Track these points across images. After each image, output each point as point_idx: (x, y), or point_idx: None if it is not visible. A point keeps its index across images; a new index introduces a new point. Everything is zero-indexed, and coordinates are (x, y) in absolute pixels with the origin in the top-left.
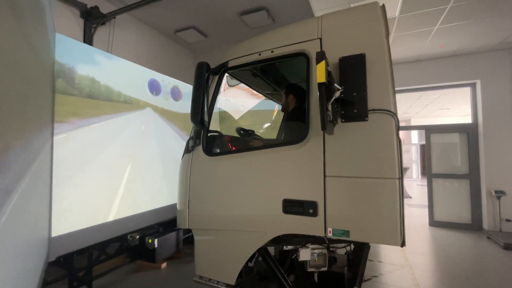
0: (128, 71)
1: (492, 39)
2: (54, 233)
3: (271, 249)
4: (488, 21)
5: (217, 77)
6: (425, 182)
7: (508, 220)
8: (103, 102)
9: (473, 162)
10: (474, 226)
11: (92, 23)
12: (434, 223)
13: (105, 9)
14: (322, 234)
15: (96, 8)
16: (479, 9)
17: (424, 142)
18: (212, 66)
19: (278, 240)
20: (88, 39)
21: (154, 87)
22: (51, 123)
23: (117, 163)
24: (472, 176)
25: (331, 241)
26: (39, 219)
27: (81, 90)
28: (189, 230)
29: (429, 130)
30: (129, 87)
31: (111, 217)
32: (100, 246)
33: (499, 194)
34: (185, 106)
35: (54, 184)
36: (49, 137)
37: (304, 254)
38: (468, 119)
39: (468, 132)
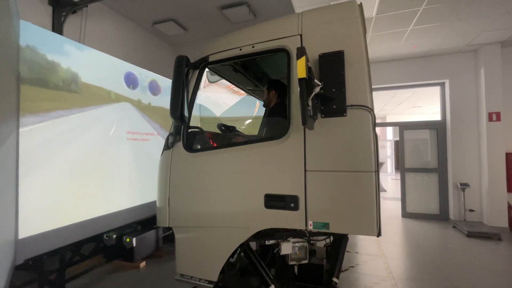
0: (102, 63)
1: (459, 41)
2: (22, 235)
3: (253, 244)
4: (455, 25)
5: (197, 71)
6: (398, 176)
7: (471, 210)
8: (75, 94)
9: (442, 157)
10: (441, 216)
11: (61, 11)
12: (406, 214)
13: None
14: (303, 227)
15: None
16: (448, 13)
17: (398, 138)
18: (192, 60)
19: (260, 235)
20: (57, 28)
21: (131, 81)
22: (16, 114)
23: (92, 158)
24: (441, 170)
25: (312, 234)
26: (4, 219)
27: (54, 82)
28: (169, 228)
29: (402, 127)
30: (103, 80)
31: (85, 216)
32: (73, 247)
33: (464, 186)
34: (164, 100)
35: (21, 180)
36: (14, 129)
37: (286, 248)
38: (437, 117)
39: (438, 128)
